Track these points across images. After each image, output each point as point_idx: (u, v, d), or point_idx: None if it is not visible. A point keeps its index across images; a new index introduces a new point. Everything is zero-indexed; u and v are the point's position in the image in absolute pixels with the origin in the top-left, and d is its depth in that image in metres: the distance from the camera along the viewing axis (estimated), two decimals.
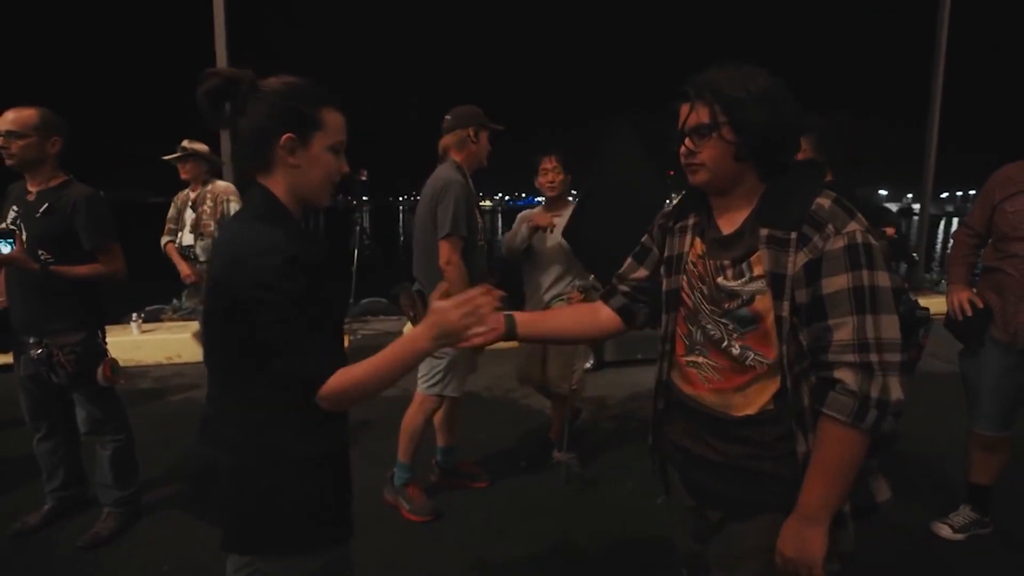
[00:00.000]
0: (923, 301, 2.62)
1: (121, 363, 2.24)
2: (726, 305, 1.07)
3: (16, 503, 2.43)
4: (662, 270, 1.22)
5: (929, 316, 1.19)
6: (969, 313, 2.11)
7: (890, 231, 5.16)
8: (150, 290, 5.12)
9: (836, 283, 0.97)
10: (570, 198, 2.84)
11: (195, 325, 4.58)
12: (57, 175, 2.11)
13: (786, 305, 1.00)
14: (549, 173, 2.71)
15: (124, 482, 2.31)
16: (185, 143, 3.41)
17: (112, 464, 2.27)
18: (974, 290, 2.17)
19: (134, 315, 4.76)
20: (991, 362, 2.10)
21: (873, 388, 0.95)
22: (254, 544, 1.08)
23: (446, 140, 2.41)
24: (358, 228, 5.55)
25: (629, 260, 1.31)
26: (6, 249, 1.97)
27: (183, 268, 3.45)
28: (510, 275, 2.85)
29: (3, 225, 2.05)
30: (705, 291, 1.11)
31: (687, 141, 1.07)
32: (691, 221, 1.17)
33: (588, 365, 4.38)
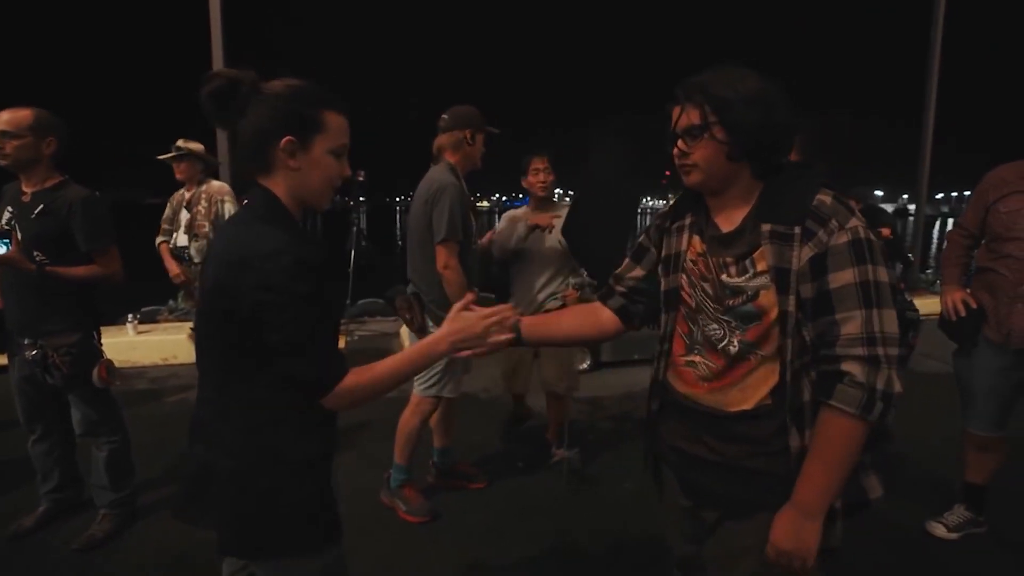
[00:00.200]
0: (918, 301, 2.65)
1: (117, 364, 2.23)
2: (729, 302, 1.07)
3: (11, 505, 2.42)
4: (660, 270, 1.22)
5: (919, 318, 1.20)
6: (963, 313, 2.12)
7: (886, 231, 5.19)
8: (146, 291, 5.10)
9: (843, 277, 0.98)
10: (554, 198, 2.87)
11: (191, 326, 4.57)
12: (53, 176, 2.10)
13: (791, 300, 1.01)
14: (541, 173, 2.73)
15: (120, 484, 2.30)
16: (180, 143, 3.40)
17: (108, 466, 2.26)
18: (968, 290, 2.18)
19: (130, 316, 4.74)
20: (985, 362, 2.12)
21: (879, 380, 0.97)
22: (253, 547, 1.08)
23: (442, 140, 2.39)
24: (355, 229, 5.54)
25: (627, 260, 1.32)
26: (1, 250, 1.97)
27: (172, 268, 3.44)
28: (501, 275, 2.86)
29: None
30: (708, 289, 1.11)
31: (679, 143, 1.08)
32: (688, 220, 1.18)
33: (585, 366, 4.39)
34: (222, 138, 4.49)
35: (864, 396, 0.97)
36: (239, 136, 1.07)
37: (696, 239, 1.15)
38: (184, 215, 3.48)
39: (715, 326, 1.10)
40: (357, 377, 1.05)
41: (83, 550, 2.16)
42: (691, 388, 1.15)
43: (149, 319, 5.08)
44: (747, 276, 1.06)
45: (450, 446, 2.71)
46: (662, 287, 1.21)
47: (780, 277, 1.02)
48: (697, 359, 1.13)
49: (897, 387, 0.98)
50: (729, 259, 1.08)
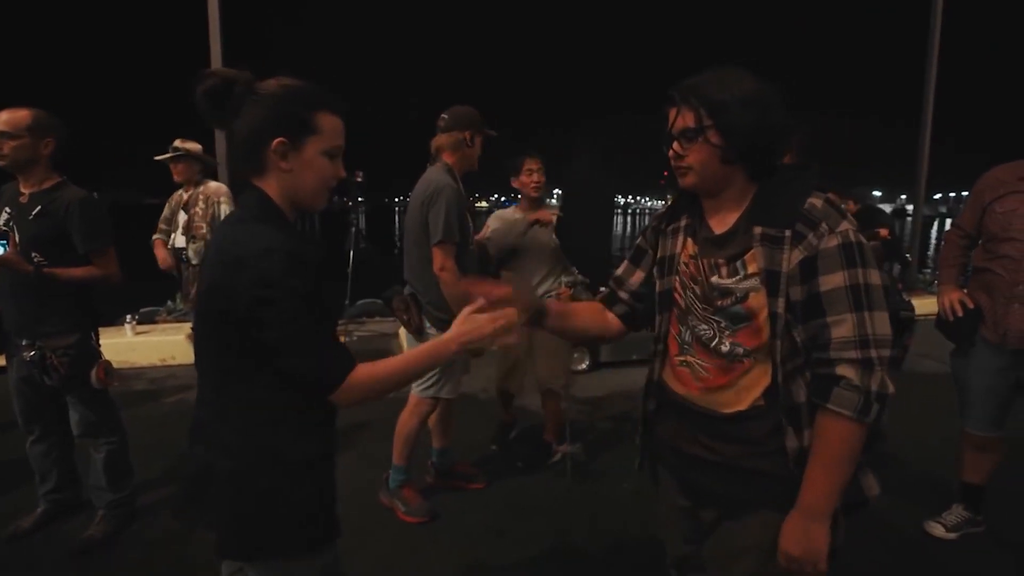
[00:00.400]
0: (916, 301, 2.64)
1: (115, 365, 2.23)
2: (719, 303, 1.08)
3: (10, 506, 2.41)
4: (655, 271, 1.23)
5: (913, 318, 1.22)
6: (960, 314, 2.13)
7: (884, 232, 5.20)
8: (144, 292, 5.10)
9: (833, 280, 0.98)
10: (545, 199, 2.91)
11: (189, 327, 4.57)
12: (51, 177, 2.10)
13: (781, 302, 1.01)
14: (535, 174, 2.77)
15: (118, 485, 2.30)
16: (177, 143, 3.38)
17: (106, 467, 2.26)
18: (965, 291, 2.19)
19: (128, 317, 4.74)
20: (982, 362, 2.12)
21: (873, 382, 0.98)
22: (251, 548, 1.08)
23: (441, 140, 2.38)
24: (354, 229, 5.54)
25: (625, 263, 1.32)
26: None
27: (161, 254, 3.42)
28: (497, 275, 2.88)
29: None
30: (697, 290, 1.12)
31: (675, 145, 1.09)
32: (683, 222, 1.18)
33: (584, 366, 4.40)
34: (220, 138, 4.48)
35: (860, 399, 0.98)
36: (234, 136, 1.07)
37: (690, 241, 1.16)
38: (182, 216, 3.47)
39: (705, 326, 1.11)
40: (367, 371, 1.05)
41: (82, 551, 2.16)
42: (687, 389, 1.15)
43: (147, 320, 5.08)
44: (738, 278, 1.06)
45: (449, 446, 2.71)
46: (657, 288, 1.21)
47: (770, 279, 1.02)
48: (690, 359, 1.14)
49: (890, 388, 0.99)
50: (721, 260, 1.09)
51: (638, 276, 1.29)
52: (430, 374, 2.37)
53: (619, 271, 1.33)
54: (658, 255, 1.22)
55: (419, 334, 2.36)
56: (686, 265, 1.15)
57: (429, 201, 2.26)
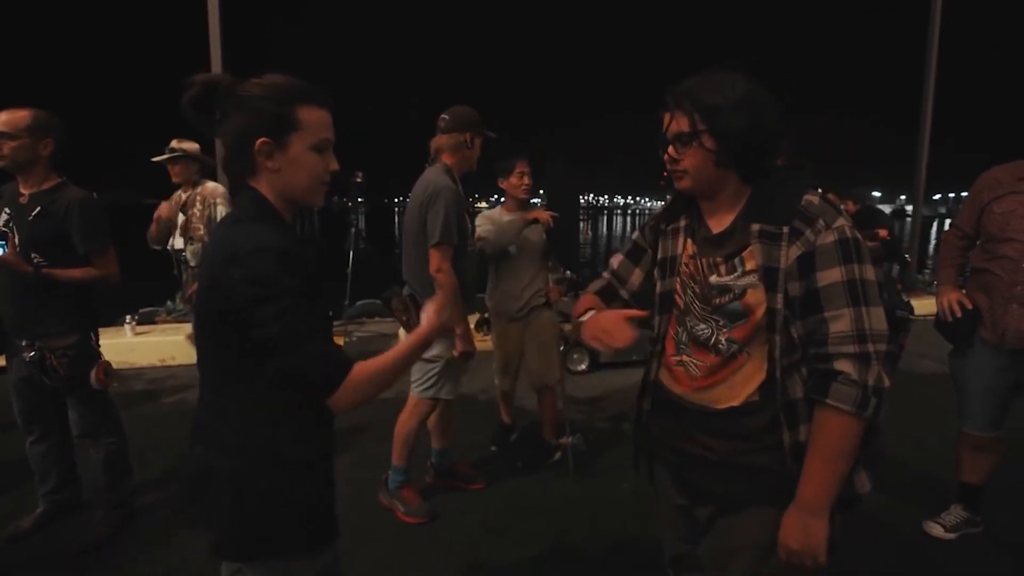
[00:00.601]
0: (915, 302, 2.65)
1: (114, 365, 2.24)
2: (716, 301, 1.09)
3: (9, 506, 2.42)
4: (656, 272, 1.23)
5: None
6: (959, 314, 2.13)
7: (883, 232, 5.20)
8: (144, 292, 5.10)
9: (830, 276, 1.00)
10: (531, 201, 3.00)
11: (189, 327, 4.57)
12: (50, 177, 2.10)
13: (779, 297, 1.03)
14: (525, 176, 2.83)
15: (117, 485, 2.30)
16: (174, 143, 3.36)
17: (105, 467, 2.26)
18: (963, 291, 2.19)
19: (128, 317, 4.74)
20: (980, 363, 2.13)
21: (870, 377, 0.99)
22: (251, 549, 1.08)
23: (441, 141, 2.39)
24: (353, 230, 5.54)
25: (622, 259, 1.32)
26: None
27: (162, 209, 3.36)
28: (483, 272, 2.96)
29: None
30: (696, 290, 1.13)
31: (670, 149, 1.10)
32: (682, 223, 1.19)
33: (583, 367, 4.40)
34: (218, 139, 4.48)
35: (859, 394, 0.99)
36: (223, 141, 1.06)
37: (689, 241, 1.17)
38: (181, 218, 3.47)
39: (703, 325, 1.12)
40: (362, 369, 1.03)
41: (81, 551, 2.16)
42: (682, 387, 1.16)
43: (147, 320, 5.08)
44: (736, 275, 1.07)
45: (448, 447, 2.71)
46: (657, 289, 1.22)
47: (768, 276, 1.04)
48: (686, 359, 1.15)
49: (887, 382, 1.00)
50: (719, 259, 1.10)
51: (637, 276, 1.29)
52: (429, 375, 2.37)
53: (616, 265, 1.32)
54: (659, 256, 1.23)
55: None
56: (686, 265, 1.16)
57: (428, 202, 2.26)
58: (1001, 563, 2.16)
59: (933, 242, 23.73)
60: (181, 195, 3.51)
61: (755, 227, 1.06)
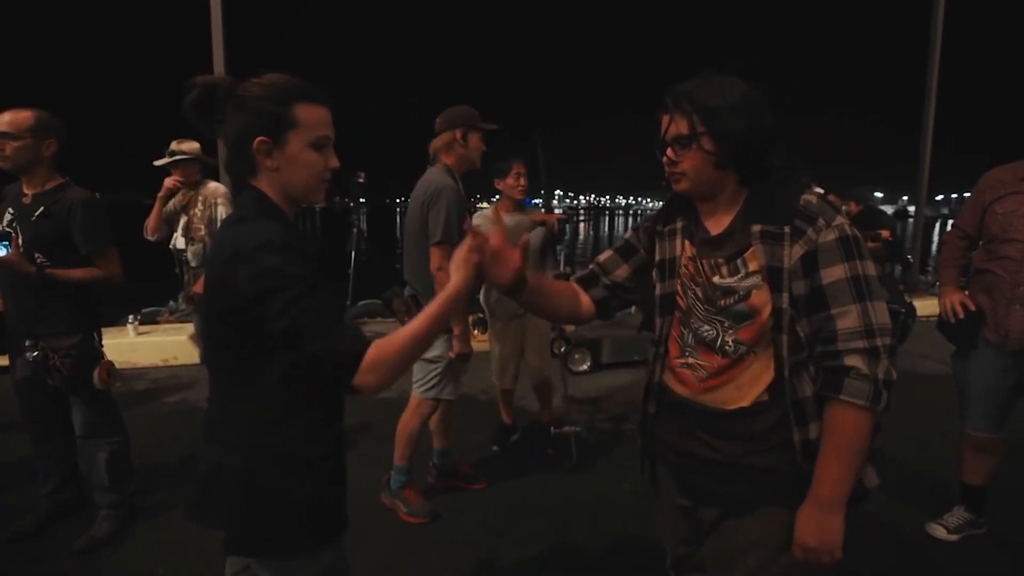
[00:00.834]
0: (918, 303, 2.65)
1: (117, 365, 2.24)
2: (721, 303, 1.09)
3: (12, 506, 2.42)
4: (655, 275, 1.22)
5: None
6: (961, 315, 2.12)
7: (885, 233, 5.19)
8: (146, 292, 5.11)
9: (834, 273, 1.01)
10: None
11: (191, 327, 4.57)
12: (53, 177, 2.11)
13: (785, 297, 1.03)
14: (522, 177, 2.88)
15: (120, 484, 2.30)
16: (174, 145, 3.36)
17: (108, 466, 2.26)
18: (966, 292, 2.19)
19: (130, 317, 4.74)
20: (983, 363, 2.12)
21: (880, 370, 1.00)
22: (259, 545, 1.08)
23: (435, 143, 2.39)
24: (355, 230, 5.55)
25: (610, 252, 1.32)
26: (2, 252, 1.97)
27: (167, 181, 3.33)
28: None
29: None
30: (699, 292, 1.12)
31: (668, 151, 1.10)
32: (680, 225, 1.19)
33: (585, 367, 4.40)
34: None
35: (871, 388, 1.00)
36: (224, 142, 1.07)
37: (687, 243, 1.17)
38: (182, 218, 3.47)
39: (707, 327, 1.12)
40: (385, 346, 0.96)
41: (83, 551, 2.17)
42: (689, 389, 1.16)
43: (149, 320, 5.09)
44: (739, 276, 1.07)
45: (450, 447, 2.72)
46: (657, 291, 1.21)
47: (773, 275, 1.04)
48: (691, 361, 1.15)
49: (894, 375, 1.02)
50: (720, 260, 1.10)
51: (624, 270, 1.29)
52: (431, 375, 2.38)
53: (602, 258, 1.32)
54: (657, 258, 1.22)
55: None
56: (686, 267, 1.16)
57: (429, 201, 2.26)
58: (1002, 564, 2.16)
59: (936, 243, 23.72)
60: (182, 196, 3.51)
61: (756, 228, 1.06)
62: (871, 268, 1.03)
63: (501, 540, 2.30)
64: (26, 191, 2.10)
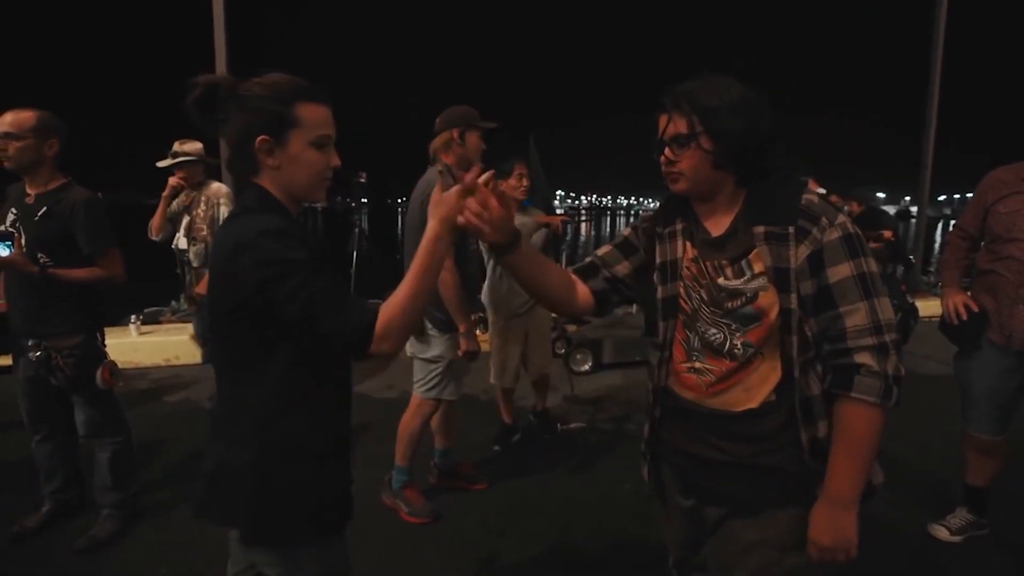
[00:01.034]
0: (920, 303, 2.63)
1: (119, 365, 2.24)
2: (728, 305, 1.08)
3: (14, 505, 2.42)
4: (656, 277, 1.21)
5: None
6: (964, 317, 2.11)
7: (888, 234, 5.18)
8: (149, 292, 5.12)
9: (841, 271, 1.02)
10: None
11: (193, 327, 4.58)
12: (56, 177, 2.11)
13: (793, 297, 1.03)
14: (524, 178, 2.92)
15: (122, 484, 2.31)
16: (176, 146, 3.36)
17: (110, 466, 2.27)
18: (968, 293, 2.18)
19: (133, 317, 4.75)
20: (987, 364, 2.11)
21: (890, 366, 1.01)
22: (269, 536, 1.09)
23: (434, 143, 2.40)
24: (357, 230, 5.55)
25: (609, 247, 1.29)
26: (5, 252, 1.97)
27: (172, 180, 3.32)
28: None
29: (2, 228, 2.05)
30: (704, 294, 1.12)
31: (667, 151, 1.10)
32: (679, 226, 1.18)
33: (586, 367, 4.40)
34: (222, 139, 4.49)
35: (882, 384, 1.00)
36: (226, 141, 1.08)
37: (688, 245, 1.16)
38: (185, 218, 3.47)
39: (714, 330, 1.11)
40: (391, 305, 0.98)
41: (85, 550, 2.17)
42: (695, 393, 1.15)
43: (152, 320, 5.09)
44: (745, 278, 1.07)
45: (451, 447, 2.72)
46: (659, 295, 1.20)
47: (779, 276, 1.04)
48: (698, 365, 1.14)
49: (902, 370, 1.03)
50: (724, 262, 1.09)
51: (625, 267, 1.26)
52: (432, 376, 2.38)
53: (602, 252, 1.28)
54: (658, 261, 1.21)
55: (419, 334, 2.36)
56: (688, 269, 1.15)
57: (429, 201, 2.26)
58: (1005, 565, 2.15)
59: (938, 243, 23.67)
60: (185, 196, 3.52)
61: (759, 229, 1.06)
62: (874, 265, 1.04)
63: (502, 540, 2.30)
64: (29, 191, 2.10)
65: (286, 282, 0.95)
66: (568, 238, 3.54)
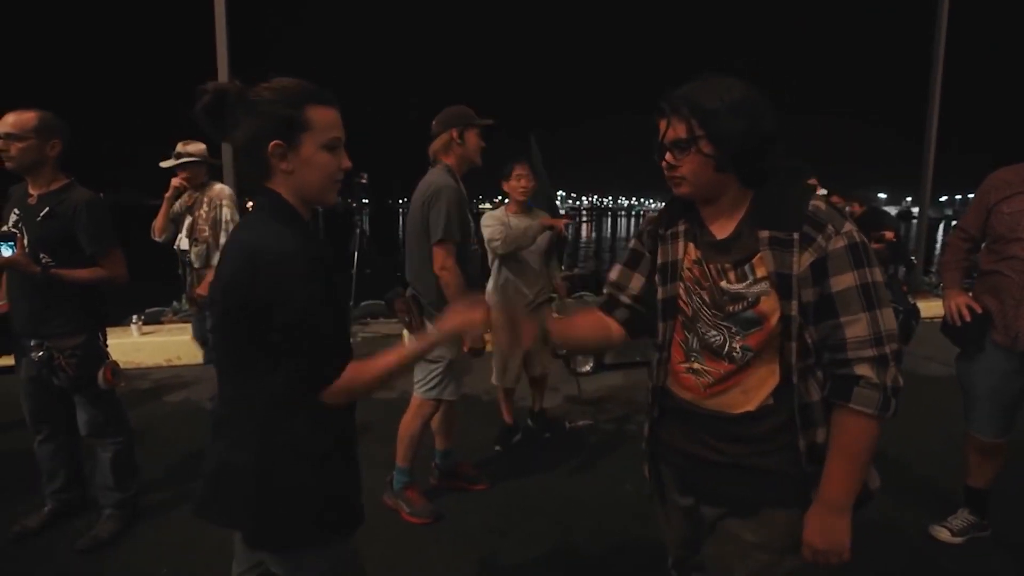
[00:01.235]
0: (922, 304, 2.63)
1: (121, 365, 2.25)
2: (729, 308, 1.08)
3: (16, 505, 2.43)
4: (656, 278, 1.21)
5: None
6: (967, 318, 2.10)
7: (889, 234, 5.17)
8: (150, 292, 5.13)
9: (844, 281, 1.01)
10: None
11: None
12: (58, 178, 2.12)
13: (794, 304, 1.03)
14: (523, 179, 2.94)
15: (124, 484, 2.31)
16: (180, 146, 3.36)
17: (112, 466, 2.27)
18: (970, 294, 2.17)
19: (134, 317, 4.76)
20: (990, 365, 2.10)
21: (889, 378, 1.01)
22: (274, 538, 1.10)
23: (434, 144, 2.40)
24: (358, 231, 5.56)
25: (620, 267, 1.30)
26: (7, 252, 1.98)
27: (174, 181, 3.34)
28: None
29: (4, 228, 2.06)
30: (705, 296, 1.11)
31: (668, 155, 1.09)
32: (682, 227, 1.18)
33: (588, 368, 4.40)
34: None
35: (880, 396, 1.00)
36: (236, 147, 1.08)
37: (691, 246, 1.15)
38: (187, 219, 3.48)
39: (714, 332, 1.11)
40: (353, 373, 1.07)
41: (87, 550, 2.17)
42: (693, 394, 1.15)
43: (153, 320, 5.11)
44: (747, 283, 1.07)
45: (452, 448, 2.72)
46: (659, 295, 1.20)
47: (781, 282, 1.03)
48: (697, 366, 1.14)
49: (901, 381, 1.03)
50: (727, 265, 1.09)
51: (638, 280, 1.27)
52: (433, 376, 2.38)
53: (614, 276, 1.30)
54: (659, 261, 1.20)
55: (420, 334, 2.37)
56: (690, 271, 1.15)
57: (430, 201, 2.26)
58: (1006, 567, 2.15)
59: (939, 244, 23.64)
60: (187, 197, 3.52)
61: (764, 234, 1.05)
62: (879, 275, 1.03)
63: (503, 540, 2.30)
64: (31, 192, 2.10)
65: (286, 310, 0.99)
66: (569, 239, 3.55)
